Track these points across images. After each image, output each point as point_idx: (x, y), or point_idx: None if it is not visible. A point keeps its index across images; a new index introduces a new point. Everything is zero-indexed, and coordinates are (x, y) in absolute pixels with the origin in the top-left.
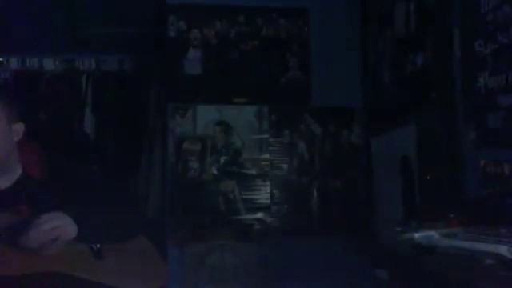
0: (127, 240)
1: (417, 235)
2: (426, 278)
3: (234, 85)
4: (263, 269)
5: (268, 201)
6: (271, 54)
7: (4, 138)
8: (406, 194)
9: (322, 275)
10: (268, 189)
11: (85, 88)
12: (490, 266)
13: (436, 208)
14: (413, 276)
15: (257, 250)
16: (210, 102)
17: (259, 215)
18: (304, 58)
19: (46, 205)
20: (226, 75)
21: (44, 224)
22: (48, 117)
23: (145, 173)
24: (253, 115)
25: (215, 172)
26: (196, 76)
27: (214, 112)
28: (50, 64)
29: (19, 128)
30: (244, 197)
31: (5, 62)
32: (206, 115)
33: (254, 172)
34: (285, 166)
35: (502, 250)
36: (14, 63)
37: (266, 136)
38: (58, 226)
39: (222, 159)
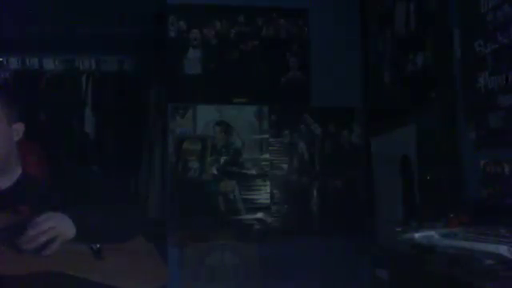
0: (127, 240)
1: (417, 235)
2: (426, 278)
3: (234, 85)
4: (263, 269)
5: (268, 201)
6: (271, 54)
7: (4, 138)
8: (406, 194)
9: (322, 275)
10: (268, 189)
11: (85, 88)
12: (490, 266)
13: (436, 208)
14: (413, 276)
15: (257, 250)
16: (210, 101)
17: (259, 215)
18: (304, 58)
19: (45, 205)
20: (225, 75)
21: (41, 224)
22: (48, 117)
23: (145, 173)
24: (253, 115)
25: (215, 172)
26: (196, 76)
27: (214, 112)
28: (50, 64)
29: (19, 128)
30: (244, 197)
31: (5, 62)
32: (205, 115)
33: (254, 172)
34: (285, 165)
35: (502, 249)
36: (13, 63)
37: (266, 136)
38: (54, 226)
39: (222, 159)
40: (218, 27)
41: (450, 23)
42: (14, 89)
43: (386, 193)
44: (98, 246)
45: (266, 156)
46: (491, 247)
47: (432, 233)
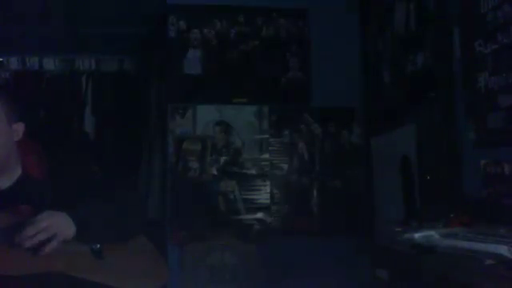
0: (127, 240)
1: (417, 235)
2: (426, 278)
3: (234, 85)
4: (263, 269)
5: (268, 201)
6: (271, 54)
7: (4, 138)
8: (406, 194)
9: (322, 275)
10: (268, 189)
11: (85, 88)
12: (490, 266)
13: (436, 208)
14: (413, 276)
15: (257, 249)
16: (210, 101)
17: (259, 215)
18: (304, 58)
19: (45, 205)
20: (226, 75)
21: (39, 222)
22: (48, 117)
23: (145, 173)
24: (253, 115)
25: (215, 172)
26: (196, 76)
27: (214, 112)
28: (50, 64)
29: (19, 128)
30: (244, 197)
31: (5, 62)
32: (205, 115)
33: (253, 172)
34: (285, 165)
35: (502, 249)
36: (13, 63)
37: (266, 136)
38: (53, 225)
39: (222, 159)
40: (218, 27)
41: (449, 23)
42: (14, 89)
43: (386, 193)
44: (98, 245)
45: (266, 156)
46: (491, 247)
47: (432, 233)
